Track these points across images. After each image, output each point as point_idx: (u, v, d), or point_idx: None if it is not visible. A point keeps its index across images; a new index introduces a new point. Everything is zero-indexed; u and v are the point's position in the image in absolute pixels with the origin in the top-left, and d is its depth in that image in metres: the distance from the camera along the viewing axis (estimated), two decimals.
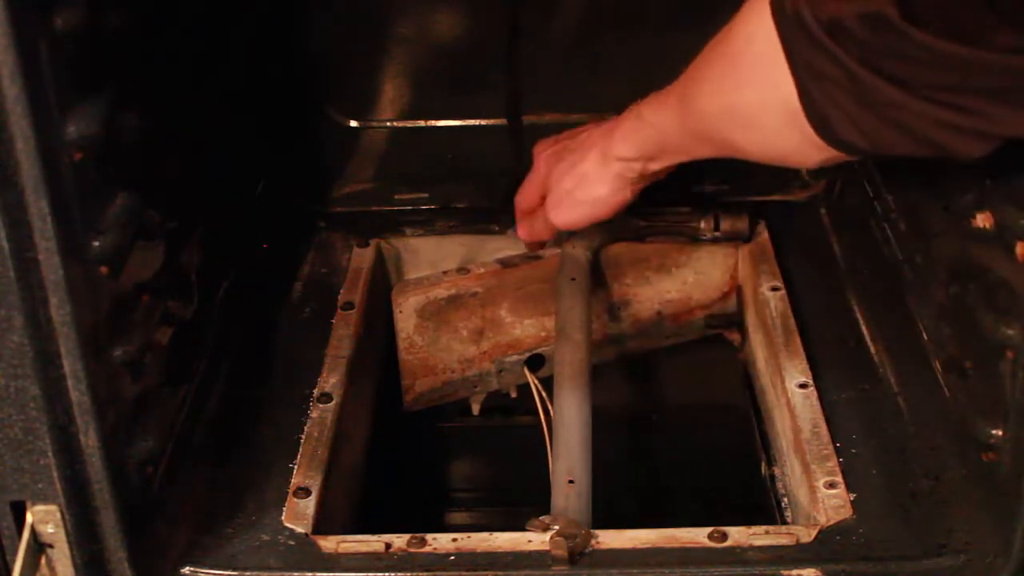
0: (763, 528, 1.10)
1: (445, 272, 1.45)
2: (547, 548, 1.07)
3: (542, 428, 1.33)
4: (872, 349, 1.33)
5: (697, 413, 1.65)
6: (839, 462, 1.17)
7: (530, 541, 1.09)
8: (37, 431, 0.95)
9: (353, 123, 1.62)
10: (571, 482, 1.14)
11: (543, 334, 1.48)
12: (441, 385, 1.47)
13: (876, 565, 1.07)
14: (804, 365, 1.30)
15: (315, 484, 1.17)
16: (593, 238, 1.45)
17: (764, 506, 1.37)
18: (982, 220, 1.09)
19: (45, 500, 0.98)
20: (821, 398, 1.25)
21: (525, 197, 1.40)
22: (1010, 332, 1.03)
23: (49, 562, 1.01)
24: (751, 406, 1.47)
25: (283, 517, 1.13)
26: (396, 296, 1.41)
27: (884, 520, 1.11)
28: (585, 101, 1.56)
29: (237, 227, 1.44)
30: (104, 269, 0.98)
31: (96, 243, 0.97)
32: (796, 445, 1.22)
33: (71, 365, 0.94)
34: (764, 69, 0.97)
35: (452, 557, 1.09)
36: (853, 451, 1.19)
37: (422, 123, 1.62)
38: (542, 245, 1.45)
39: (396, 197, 1.61)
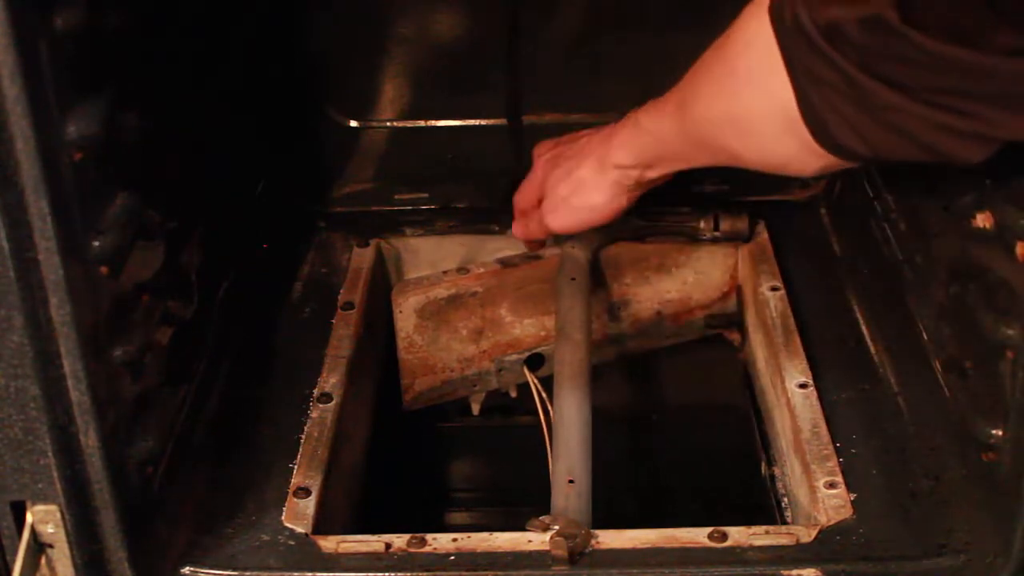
0: (763, 528, 1.10)
1: (445, 272, 1.45)
2: (547, 548, 1.07)
3: (542, 428, 1.33)
4: (872, 349, 1.33)
5: (697, 413, 1.65)
6: (839, 462, 1.17)
7: (530, 541, 1.09)
8: (37, 431, 0.95)
9: (353, 123, 1.62)
10: (571, 482, 1.14)
11: (543, 334, 1.48)
12: (440, 384, 1.47)
13: (876, 565, 1.07)
14: (804, 365, 1.30)
15: (315, 484, 1.17)
16: (593, 238, 1.45)
17: (764, 506, 1.37)
18: (982, 220, 1.09)
19: (45, 500, 0.98)
20: (821, 398, 1.25)
21: (522, 198, 1.40)
22: (1010, 332, 1.03)
23: (49, 562, 1.01)
24: (751, 406, 1.47)
25: (283, 517, 1.13)
26: (396, 296, 1.41)
27: (884, 520, 1.11)
28: (585, 101, 1.56)
29: (237, 227, 1.44)
30: (104, 269, 0.98)
31: (96, 243, 0.97)
32: (796, 445, 1.22)
33: (71, 365, 0.94)
34: (762, 75, 0.97)
35: (452, 557, 1.09)
36: (853, 451, 1.19)
37: (422, 123, 1.62)
38: (542, 244, 1.46)
39: (396, 197, 1.61)
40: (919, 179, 1.27)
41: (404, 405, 1.47)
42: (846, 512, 1.12)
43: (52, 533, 1.00)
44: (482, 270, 1.44)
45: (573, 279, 1.40)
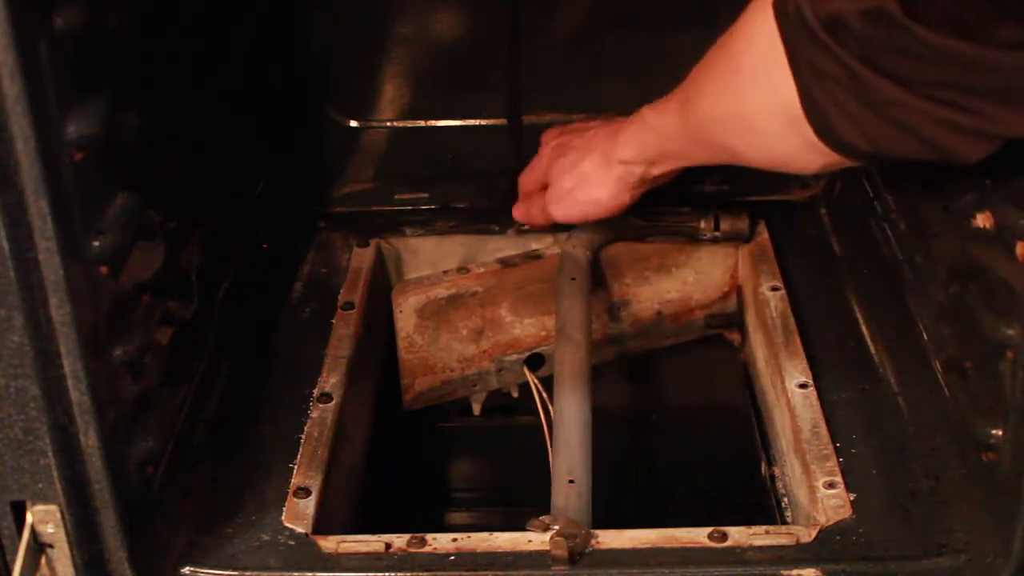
0: (763, 528, 1.10)
1: (445, 272, 1.45)
2: (547, 548, 1.07)
3: (542, 428, 1.33)
4: (872, 349, 1.33)
5: (697, 413, 1.65)
6: (839, 462, 1.17)
7: (530, 541, 1.09)
8: (37, 431, 0.95)
9: (353, 123, 1.62)
10: (571, 482, 1.14)
11: (543, 333, 1.48)
12: (440, 384, 1.47)
13: (876, 565, 1.07)
14: (804, 365, 1.30)
15: (315, 484, 1.17)
16: (593, 238, 1.45)
17: (764, 506, 1.37)
18: (982, 220, 1.09)
19: (45, 500, 0.98)
20: (821, 398, 1.25)
21: (527, 180, 1.42)
22: (1010, 332, 1.03)
23: (49, 562, 1.01)
24: (751, 406, 1.47)
25: (283, 517, 1.13)
26: (396, 296, 1.41)
27: (884, 520, 1.11)
28: (585, 101, 1.56)
29: (237, 227, 1.44)
30: (104, 269, 0.98)
31: (96, 243, 0.97)
32: (796, 445, 1.22)
33: (71, 365, 0.94)
34: (766, 71, 0.97)
35: (452, 557, 1.09)
36: (853, 451, 1.19)
37: (422, 123, 1.62)
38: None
39: (396, 197, 1.61)
40: (919, 179, 1.27)
41: (404, 405, 1.47)
42: (846, 512, 1.12)
43: (52, 533, 1.00)
44: (482, 270, 1.44)
45: (573, 279, 1.40)
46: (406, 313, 1.41)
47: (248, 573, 1.08)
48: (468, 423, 1.60)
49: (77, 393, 0.95)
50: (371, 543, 1.09)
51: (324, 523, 1.15)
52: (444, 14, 1.56)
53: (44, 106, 0.86)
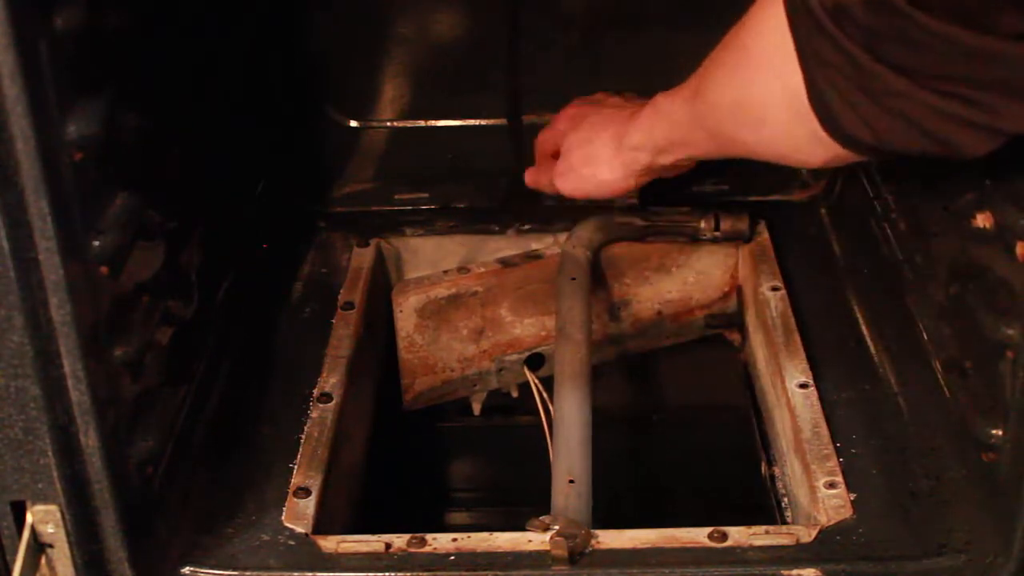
0: (763, 528, 1.10)
1: (445, 272, 1.45)
2: (547, 548, 1.07)
3: (542, 428, 1.33)
4: (872, 349, 1.33)
5: (697, 413, 1.65)
6: (839, 462, 1.17)
7: (530, 541, 1.09)
8: (37, 431, 0.95)
9: (353, 123, 1.62)
10: (571, 482, 1.14)
11: (543, 333, 1.48)
12: (440, 384, 1.47)
13: (876, 565, 1.07)
14: (804, 365, 1.30)
15: (315, 484, 1.17)
16: (593, 238, 1.45)
17: (764, 506, 1.37)
18: (982, 220, 1.09)
19: (45, 500, 0.98)
20: (821, 398, 1.25)
21: (543, 141, 1.45)
22: (1010, 332, 1.03)
23: (49, 562, 1.01)
24: (751, 406, 1.47)
25: (283, 517, 1.13)
26: (396, 296, 1.41)
27: (884, 520, 1.11)
28: None
29: (237, 227, 1.44)
30: (104, 269, 0.98)
31: (96, 243, 0.97)
32: (796, 445, 1.22)
33: (71, 365, 0.94)
34: (774, 60, 0.97)
35: (452, 557, 1.09)
36: (853, 451, 1.19)
37: (422, 123, 1.62)
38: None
39: (396, 197, 1.61)
40: (919, 179, 1.27)
41: (404, 405, 1.47)
42: (846, 512, 1.12)
43: (52, 533, 1.00)
44: (482, 270, 1.44)
45: (573, 279, 1.40)
46: (406, 313, 1.41)
47: (248, 573, 1.08)
48: (468, 423, 1.60)
49: (77, 393, 0.95)
50: (371, 543, 1.09)
51: (324, 523, 1.15)
52: (444, 14, 1.56)
53: (44, 106, 0.86)
